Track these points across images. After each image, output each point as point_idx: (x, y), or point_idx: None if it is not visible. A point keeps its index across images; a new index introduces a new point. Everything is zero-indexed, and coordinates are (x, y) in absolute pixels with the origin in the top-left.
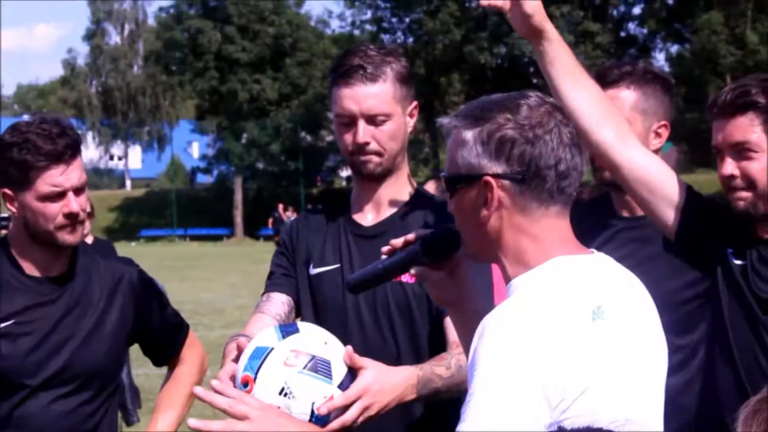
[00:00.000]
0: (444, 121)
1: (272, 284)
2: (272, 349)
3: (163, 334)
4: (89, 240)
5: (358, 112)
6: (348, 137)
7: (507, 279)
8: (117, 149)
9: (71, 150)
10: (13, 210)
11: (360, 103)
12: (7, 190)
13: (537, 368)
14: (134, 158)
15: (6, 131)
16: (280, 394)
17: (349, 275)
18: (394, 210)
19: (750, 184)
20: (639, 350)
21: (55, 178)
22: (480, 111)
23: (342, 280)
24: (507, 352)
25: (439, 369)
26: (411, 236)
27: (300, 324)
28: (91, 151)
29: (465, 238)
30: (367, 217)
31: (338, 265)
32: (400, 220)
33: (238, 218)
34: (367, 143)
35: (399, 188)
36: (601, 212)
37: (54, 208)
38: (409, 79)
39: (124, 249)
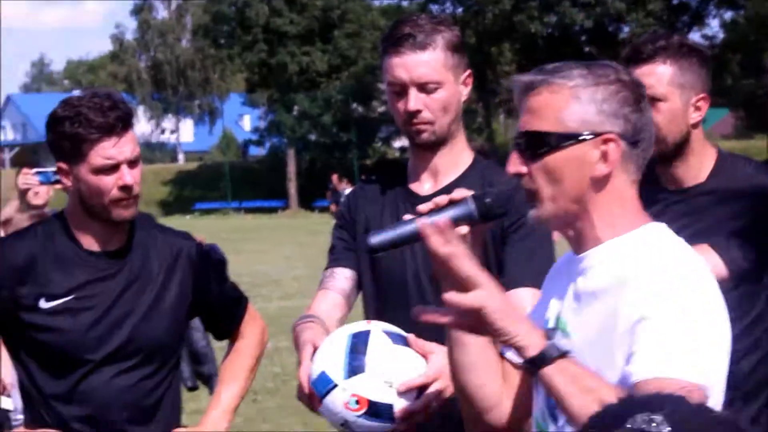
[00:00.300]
0: (537, 77)
1: (334, 259)
2: (336, 385)
3: (223, 308)
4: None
5: (409, 80)
6: (400, 106)
7: (585, 241)
8: (168, 123)
9: (123, 123)
10: (69, 184)
11: (411, 71)
12: (62, 164)
13: (724, 325)
14: (186, 132)
15: (58, 105)
16: (341, 425)
17: (370, 238)
18: (452, 178)
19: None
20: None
21: (108, 150)
22: (589, 71)
23: (401, 251)
24: (703, 309)
25: None
26: (458, 195)
27: (367, 357)
28: (142, 125)
29: (552, 198)
30: (424, 186)
31: None
32: (452, 190)
33: (292, 190)
34: (419, 111)
35: (455, 156)
36: (648, 186)
37: (108, 182)
38: (461, 47)
39: (178, 222)
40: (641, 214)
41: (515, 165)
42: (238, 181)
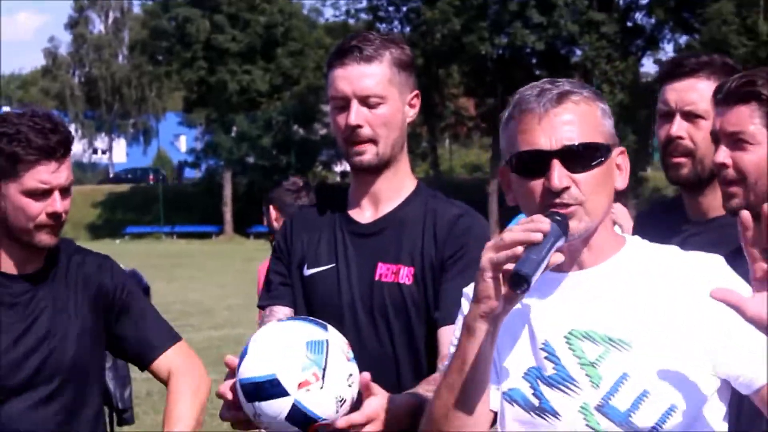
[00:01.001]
0: (572, 88)
1: (272, 297)
2: (327, 340)
3: (145, 336)
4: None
5: (351, 92)
6: (341, 120)
7: (600, 254)
8: (101, 142)
9: (63, 148)
10: None
11: (353, 84)
12: None
13: None
14: (119, 152)
15: None
16: (347, 381)
17: (519, 269)
18: (394, 206)
19: (741, 176)
20: None
21: (44, 174)
22: (590, 89)
23: (338, 280)
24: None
25: (427, 395)
26: (545, 225)
27: (327, 371)
28: (74, 145)
29: (598, 207)
30: (364, 214)
31: (333, 265)
32: (399, 217)
33: (228, 215)
34: (360, 126)
35: (398, 182)
36: (674, 217)
37: (37, 206)
38: (410, 66)
39: (108, 247)
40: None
41: (561, 179)
42: (172, 205)
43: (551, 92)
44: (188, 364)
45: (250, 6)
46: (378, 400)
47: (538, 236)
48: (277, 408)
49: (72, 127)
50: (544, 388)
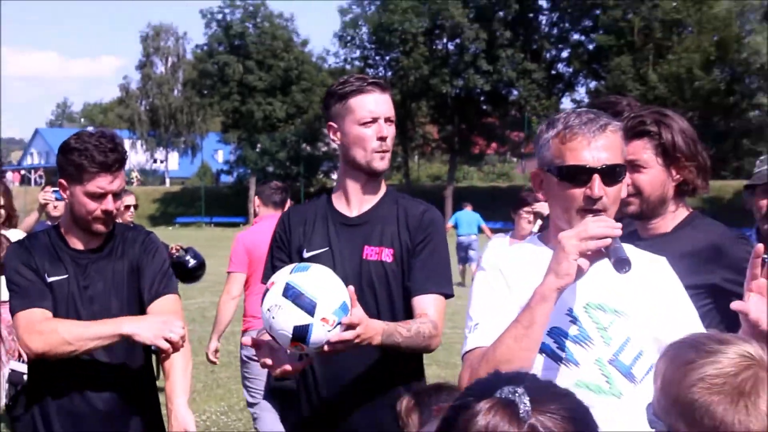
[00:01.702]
0: (610, 119)
1: (269, 276)
2: (349, 307)
3: (151, 284)
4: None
5: (381, 113)
6: (373, 132)
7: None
8: (160, 154)
9: (118, 164)
10: (65, 196)
11: (380, 106)
12: (63, 181)
13: None
14: (173, 162)
15: (72, 136)
16: (339, 332)
17: (624, 256)
18: (372, 204)
19: (637, 191)
20: None
21: (102, 183)
22: (617, 121)
23: (333, 260)
24: None
25: (401, 329)
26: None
27: (314, 267)
28: (140, 156)
29: (614, 213)
30: (351, 209)
31: (327, 248)
32: (378, 212)
33: (252, 209)
34: (385, 137)
35: (378, 185)
36: (629, 236)
37: (94, 205)
38: None
39: (162, 232)
40: None
41: (601, 189)
42: (211, 202)
43: (597, 122)
44: (173, 315)
45: (273, 54)
46: (360, 311)
47: (619, 232)
48: (296, 318)
49: (138, 143)
50: (569, 344)
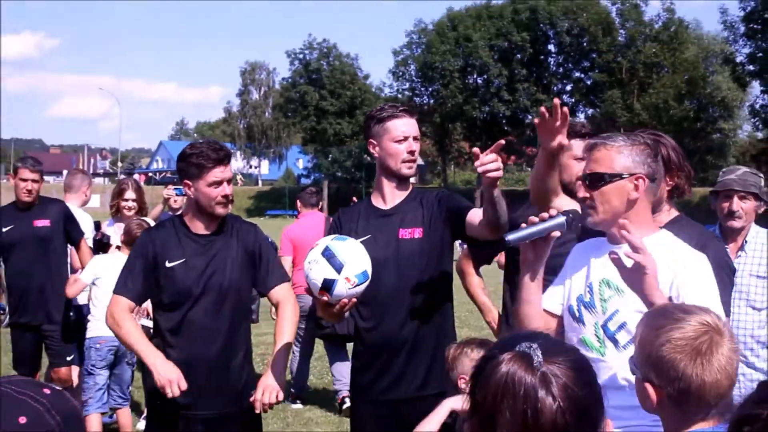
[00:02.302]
0: (598, 141)
1: None
2: (369, 275)
3: (266, 273)
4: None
5: (410, 133)
6: (403, 148)
7: (620, 238)
8: (254, 162)
9: (227, 158)
10: (191, 194)
11: (410, 127)
12: (187, 181)
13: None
14: (264, 167)
15: (186, 147)
16: (356, 294)
17: (507, 235)
18: (401, 199)
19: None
20: None
21: (217, 173)
22: (627, 137)
23: (375, 245)
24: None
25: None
26: (553, 212)
27: (340, 258)
28: (239, 163)
29: (602, 211)
30: (386, 204)
31: (370, 236)
32: (406, 205)
33: (325, 205)
34: (413, 151)
35: (407, 186)
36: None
37: (216, 192)
38: None
39: (256, 221)
40: (654, 223)
41: (582, 192)
42: (293, 199)
43: (588, 144)
44: (289, 297)
45: (342, 85)
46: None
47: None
48: (327, 272)
49: (238, 153)
50: (582, 308)
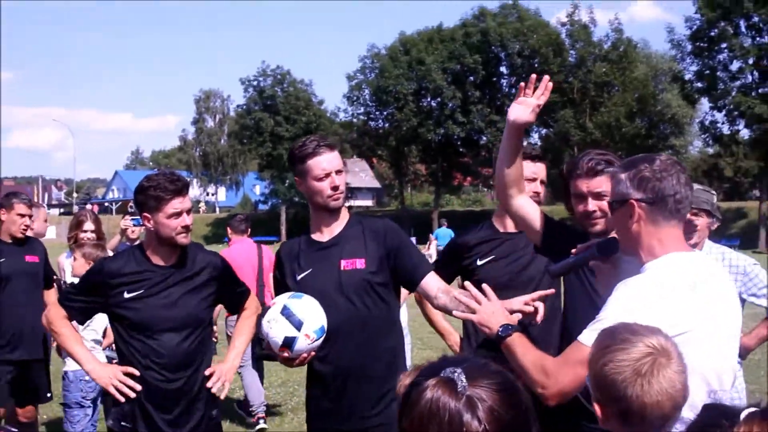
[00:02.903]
0: (609, 169)
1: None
2: (325, 329)
3: (235, 296)
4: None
5: (332, 168)
6: (327, 184)
7: (641, 264)
8: (211, 189)
9: (185, 188)
10: (150, 226)
11: (331, 163)
12: (146, 214)
13: (647, 308)
14: (221, 194)
15: (143, 180)
16: (315, 348)
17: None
18: (339, 229)
19: (604, 214)
20: (722, 317)
21: (176, 204)
22: (629, 163)
23: (316, 278)
24: (631, 298)
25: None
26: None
27: (306, 297)
28: (195, 190)
29: (620, 240)
30: (323, 236)
31: (311, 269)
32: (345, 234)
33: (283, 230)
34: (337, 186)
35: (342, 215)
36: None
37: (176, 222)
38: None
39: (214, 248)
40: (673, 246)
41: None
42: (251, 224)
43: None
44: (251, 304)
45: (297, 111)
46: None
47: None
48: (287, 330)
49: (194, 181)
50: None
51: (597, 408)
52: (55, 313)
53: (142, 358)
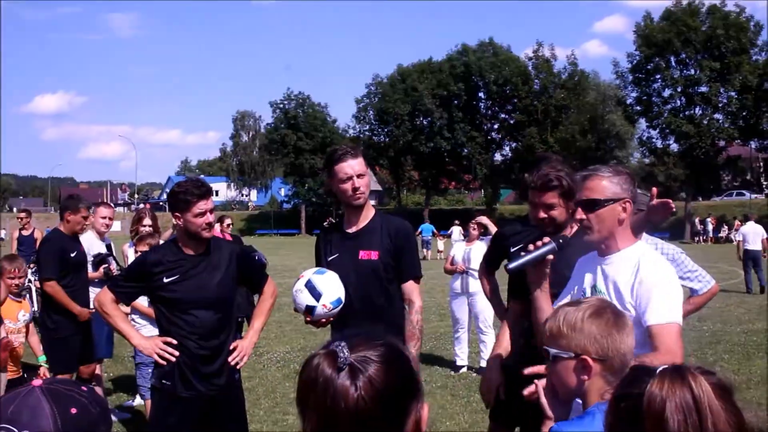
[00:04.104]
0: (590, 173)
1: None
2: (342, 300)
3: (254, 278)
4: (228, 237)
5: (354, 172)
6: (348, 186)
7: (616, 247)
8: (245, 191)
9: (208, 192)
10: (180, 224)
11: (354, 167)
12: (176, 213)
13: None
14: (253, 196)
15: (174, 186)
16: (331, 315)
17: (509, 265)
18: (365, 223)
19: (553, 221)
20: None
21: (201, 206)
22: (614, 169)
23: (342, 262)
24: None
25: (414, 349)
26: (546, 239)
27: (319, 289)
28: (232, 192)
29: (598, 229)
30: (351, 228)
31: (338, 254)
32: (367, 228)
33: (303, 225)
34: (358, 187)
35: (368, 212)
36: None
37: (201, 220)
38: (366, 158)
39: (247, 239)
40: (633, 236)
41: (580, 215)
42: (277, 220)
43: (581, 176)
44: (269, 287)
45: (315, 128)
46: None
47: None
48: (309, 300)
49: (232, 185)
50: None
51: (590, 362)
52: (104, 297)
53: (180, 330)
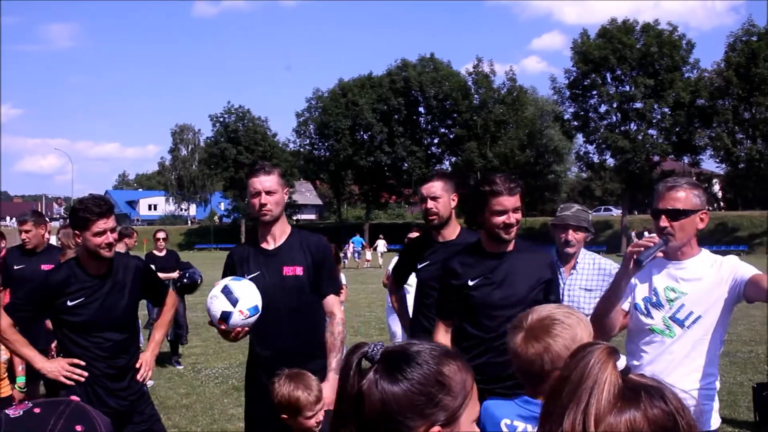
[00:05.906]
0: (675, 184)
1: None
2: (259, 308)
3: (157, 292)
4: (163, 253)
5: (262, 189)
6: (255, 202)
7: (690, 254)
8: (184, 206)
9: (109, 211)
10: (79, 241)
11: (263, 183)
12: (77, 231)
13: None
14: (192, 210)
15: (76, 202)
16: (248, 324)
17: (642, 261)
18: (282, 240)
19: (518, 222)
20: None
21: (100, 224)
22: (693, 182)
23: (264, 280)
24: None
25: (335, 364)
26: (655, 238)
27: (245, 280)
28: (171, 206)
29: (680, 237)
30: (269, 245)
31: (259, 272)
32: (287, 244)
33: (242, 239)
34: (265, 204)
35: (283, 228)
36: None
37: (100, 240)
38: (283, 177)
39: (185, 255)
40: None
41: (664, 222)
42: (217, 234)
43: (668, 183)
44: (170, 300)
45: (255, 142)
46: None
47: (652, 243)
48: (224, 306)
49: (170, 199)
50: (649, 306)
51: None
52: (3, 322)
53: (87, 352)
